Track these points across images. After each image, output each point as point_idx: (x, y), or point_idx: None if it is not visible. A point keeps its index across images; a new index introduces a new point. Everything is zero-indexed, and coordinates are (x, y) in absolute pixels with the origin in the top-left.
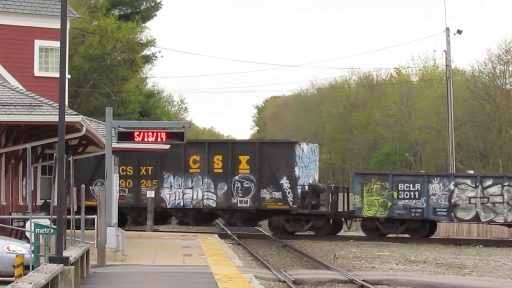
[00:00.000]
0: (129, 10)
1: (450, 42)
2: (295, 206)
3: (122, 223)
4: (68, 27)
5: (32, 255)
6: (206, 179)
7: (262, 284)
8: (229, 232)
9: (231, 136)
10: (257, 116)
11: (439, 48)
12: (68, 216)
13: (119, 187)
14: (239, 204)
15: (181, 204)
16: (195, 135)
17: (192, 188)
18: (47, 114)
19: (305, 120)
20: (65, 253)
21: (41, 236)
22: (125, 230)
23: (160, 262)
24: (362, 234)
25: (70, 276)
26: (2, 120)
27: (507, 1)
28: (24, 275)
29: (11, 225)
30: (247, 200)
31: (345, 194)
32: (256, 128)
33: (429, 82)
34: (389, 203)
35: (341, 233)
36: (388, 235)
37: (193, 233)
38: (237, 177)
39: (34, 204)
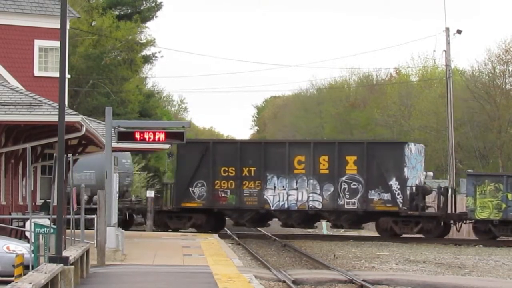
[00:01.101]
0: (130, 10)
1: (450, 42)
2: (405, 208)
3: (220, 225)
4: (68, 27)
5: (32, 255)
6: (311, 180)
7: (262, 284)
8: (229, 232)
9: (230, 136)
10: (257, 116)
11: (439, 48)
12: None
13: (221, 188)
14: (346, 206)
15: (285, 205)
16: (194, 135)
17: (296, 189)
18: (47, 114)
19: (305, 120)
20: (65, 253)
21: (41, 236)
22: (209, 232)
23: (160, 262)
24: (361, 234)
25: (70, 276)
26: (1, 120)
27: (507, 1)
28: (24, 275)
29: (11, 225)
30: (354, 202)
31: (453, 195)
32: (256, 128)
33: (428, 82)
34: (504, 205)
35: (341, 232)
36: (501, 238)
37: (193, 233)
38: (344, 178)
39: (34, 204)
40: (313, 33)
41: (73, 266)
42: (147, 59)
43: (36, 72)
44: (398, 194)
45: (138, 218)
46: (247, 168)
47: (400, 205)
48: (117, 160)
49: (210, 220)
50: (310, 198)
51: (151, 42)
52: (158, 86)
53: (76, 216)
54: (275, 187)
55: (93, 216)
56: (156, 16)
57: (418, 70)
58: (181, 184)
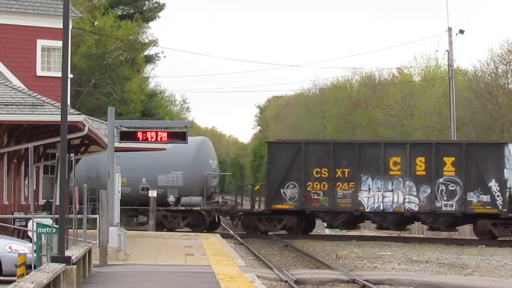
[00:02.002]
0: (132, 10)
1: (452, 42)
2: (505, 210)
3: (310, 227)
4: (70, 26)
5: (34, 255)
6: (407, 182)
7: (264, 284)
8: (231, 231)
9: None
10: (259, 115)
11: (441, 48)
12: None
13: (313, 190)
14: (443, 208)
15: (381, 207)
16: (197, 135)
17: (392, 191)
18: (49, 114)
19: (307, 119)
20: (67, 253)
21: (43, 236)
22: (300, 235)
23: (162, 262)
24: (363, 234)
25: (72, 276)
26: (4, 120)
27: (510, 1)
28: (26, 274)
29: (14, 224)
30: (452, 204)
31: None
32: (258, 128)
33: (431, 82)
34: None
35: (343, 233)
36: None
37: (195, 232)
38: (441, 180)
39: (36, 203)
40: (316, 33)
41: (75, 266)
42: (150, 59)
43: (39, 72)
44: (498, 196)
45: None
46: (341, 169)
47: (500, 207)
48: (205, 161)
49: (301, 222)
50: (406, 200)
51: (153, 42)
52: (160, 86)
53: (78, 216)
54: (369, 188)
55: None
56: (158, 17)
57: (421, 70)
58: (272, 185)
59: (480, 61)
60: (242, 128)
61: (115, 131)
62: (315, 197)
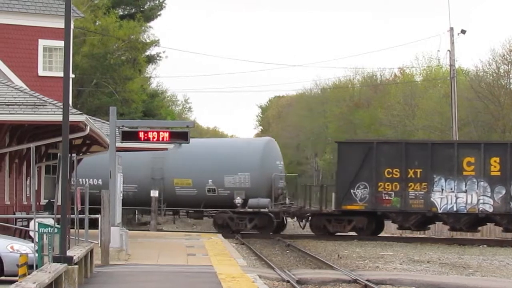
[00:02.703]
0: (133, 10)
1: (454, 42)
2: None
3: (379, 228)
4: (72, 26)
5: (36, 255)
6: (481, 182)
7: (266, 284)
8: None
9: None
10: (261, 115)
11: (443, 47)
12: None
13: (385, 190)
14: None
15: (454, 208)
16: (198, 135)
17: (466, 191)
18: (51, 114)
19: (309, 119)
20: (69, 253)
21: (45, 236)
22: (370, 236)
23: (164, 262)
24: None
25: (74, 276)
26: (6, 120)
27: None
28: (28, 274)
29: (15, 224)
30: None
31: None
32: (260, 127)
33: (433, 82)
34: None
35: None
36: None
37: (196, 232)
38: None
39: (38, 203)
40: (317, 33)
41: (77, 266)
42: (151, 59)
43: (40, 72)
44: None
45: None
46: (413, 170)
47: None
48: (272, 161)
49: (371, 223)
50: (480, 201)
51: (155, 42)
52: (162, 86)
53: (80, 216)
54: (442, 189)
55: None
56: (159, 15)
57: (422, 70)
58: (343, 185)
59: (482, 61)
60: (244, 128)
61: (117, 131)
62: (387, 197)
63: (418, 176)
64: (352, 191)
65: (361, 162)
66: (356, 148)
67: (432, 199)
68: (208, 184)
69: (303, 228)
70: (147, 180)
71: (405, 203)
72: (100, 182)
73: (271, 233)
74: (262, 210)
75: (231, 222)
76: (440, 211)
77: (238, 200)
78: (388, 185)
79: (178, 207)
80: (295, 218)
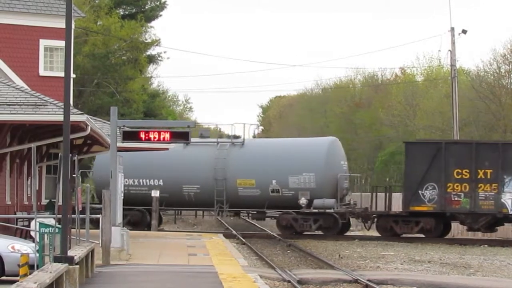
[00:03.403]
0: (134, 10)
1: (455, 42)
2: None
3: (447, 230)
4: (73, 26)
5: (37, 255)
6: None
7: (267, 284)
8: (234, 231)
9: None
10: (262, 115)
11: (444, 47)
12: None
13: (453, 191)
14: None
15: None
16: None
17: None
18: (52, 114)
19: (310, 119)
20: (70, 253)
21: (46, 236)
22: (437, 238)
23: (165, 262)
24: (367, 234)
25: (74, 276)
26: (7, 120)
27: None
28: (29, 274)
29: (16, 224)
30: None
31: None
32: (261, 127)
33: (434, 82)
34: None
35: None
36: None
37: (198, 232)
38: None
39: (39, 203)
40: (318, 32)
41: (78, 266)
42: (152, 59)
43: (42, 72)
44: None
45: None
46: (483, 170)
47: None
48: (337, 162)
49: (439, 225)
50: None
51: (156, 42)
52: (163, 86)
53: (81, 216)
54: None
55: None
56: (160, 15)
57: (423, 70)
58: (410, 186)
59: (483, 61)
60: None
61: (118, 131)
62: (456, 198)
63: (488, 176)
64: (420, 192)
65: (430, 162)
66: (425, 148)
67: (502, 200)
68: (272, 184)
69: (368, 229)
70: (209, 180)
71: (475, 204)
72: (161, 182)
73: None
74: (327, 211)
75: (295, 223)
76: (510, 212)
77: (303, 201)
78: (457, 186)
79: (240, 207)
80: (360, 219)
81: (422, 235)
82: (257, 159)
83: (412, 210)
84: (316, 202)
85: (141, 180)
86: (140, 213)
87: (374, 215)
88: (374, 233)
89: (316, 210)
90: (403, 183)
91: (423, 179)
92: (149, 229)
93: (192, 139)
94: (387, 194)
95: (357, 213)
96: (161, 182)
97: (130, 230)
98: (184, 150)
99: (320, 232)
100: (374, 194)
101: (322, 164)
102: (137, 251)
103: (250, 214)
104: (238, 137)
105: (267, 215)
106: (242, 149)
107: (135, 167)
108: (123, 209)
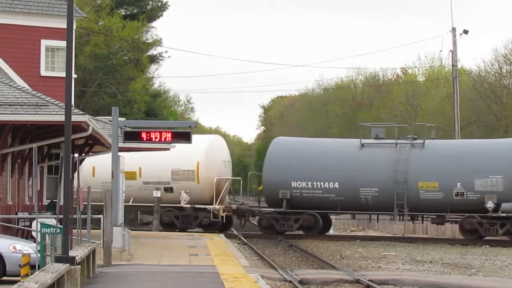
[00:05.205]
0: (135, 10)
1: (456, 42)
2: None
3: None
4: (74, 26)
5: (38, 255)
6: None
7: (268, 284)
8: (235, 231)
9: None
10: (264, 116)
11: (446, 48)
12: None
13: None
14: None
15: None
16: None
17: None
18: (53, 114)
19: (311, 120)
20: (71, 253)
21: (47, 236)
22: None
23: (166, 262)
24: (368, 234)
25: (76, 276)
26: (8, 120)
27: None
28: (30, 274)
29: (18, 224)
30: None
31: None
32: (263, 128)
33: (435, 82)
34: None
35: (347, 232)
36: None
37: (199, 232)
38: None
39: (40, 203)
40: (320, 33)
41: (79, 266)
42: (154, 59)
43: (43, 72)
44: None
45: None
46: None
47: None
48: None
49: None
50: None
51: (157, 42)
52: (164, 86)
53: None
54: None
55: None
56: (161, 16)
57: (425, 70)
58: None
59: (484, 61)
60: (246, 128)
61: (119, 131)
62: None
63: None
64: None
65: None
66: None
67: None
68: (456, 187)
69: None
70: (389, 183)
71: None
72: (336, 185)
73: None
74: None
75: (480, 228)
76: None
77: (490, 205)
78: None
79: (420, 211)
80: None
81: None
82: (440, 161)
83: None
84: (505, 205)
85: (315, 183)
86: (312, 217)
87: None
88: None
89: (504, 214)
90: None
91: None
92: (320, 234)
93: (367, 140)
94: None
95: None
96: (336, 185)
97: (302, 235)
98: (360, 152)
99: (506, 238)
100: None
101: (510, 166)
102: (138, 251)
103: (428, 219)
104: (416, 138)
105: (446, 219)
106: (423, 151)
107: (309, 169)
108: (293, 212)
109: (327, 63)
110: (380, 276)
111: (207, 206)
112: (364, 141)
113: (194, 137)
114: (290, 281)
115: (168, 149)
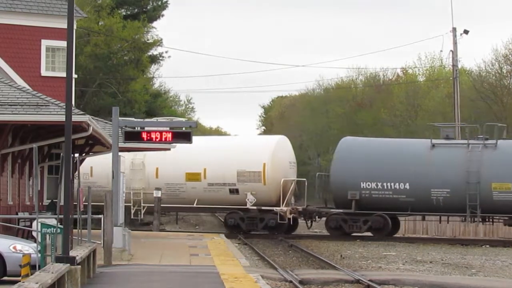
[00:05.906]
0: (136, 10)
1: (457, 42)
2: None
3: None
4: (74, 27)
5: (39, 255)
6: None
7: (269, 284)
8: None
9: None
10: (264, 116)
11: (446, 48)
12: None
13: None
14: None
15: None
16: (201, 135)
17: None
18: (54, 114)
19: (312, 120)
20: (72, 253)
21: (47, 236)
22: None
23: (167, 262)
24: (368, 234)
25: (76, 276)
26: (8, 120)
27: None
28: (31, 274)
29: (18, 224)
30: None
31: None
32: (263, 128)
33: (435, 82)
34: None
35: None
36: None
37: (199, 232)
38: None
39: (40, 203)
40: (320, 33)
41: (79, 266)
42: (154, 59)
43: (43, 72)
44: None
45: None
46: None
47: None
48: None
49: None
50: None
51: (158, 42)
52: (165, 86)
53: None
54: None
55: None
56: (162, 15)
57: (425, 70)
58: None
59: (484, 61)
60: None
61: (120, 131)
62: None
63: None
64: None
65: None
66: None
67: None
68: None
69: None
70: (461, 184)
71: None
72: (407, 186)
73: None
74: None
75: None
76: None
77: None
78: None
79: (494, 213)
80: None
81: None
82: None
83: None
84: None
85: (385, 184)
86: (382, 219)
87: None
88: None
89: None
90: None
91: None
92: (390, 235)
93: (438, 141)
94: None
95: None
96: (407, 186)
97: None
98: (431, 152)
99: None
100: None
101: None
102: (138, 251)
103: (500, 220)
104: (487, 138)
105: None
106: (496, 151)
107: (379, 169)
108: (362, 213)
109: (327, 63)
110: (381, 276)
111: (274, 208)
112: (435, 141)
113: (259, 137)
114: (291, 281)
115: (169, 149)
